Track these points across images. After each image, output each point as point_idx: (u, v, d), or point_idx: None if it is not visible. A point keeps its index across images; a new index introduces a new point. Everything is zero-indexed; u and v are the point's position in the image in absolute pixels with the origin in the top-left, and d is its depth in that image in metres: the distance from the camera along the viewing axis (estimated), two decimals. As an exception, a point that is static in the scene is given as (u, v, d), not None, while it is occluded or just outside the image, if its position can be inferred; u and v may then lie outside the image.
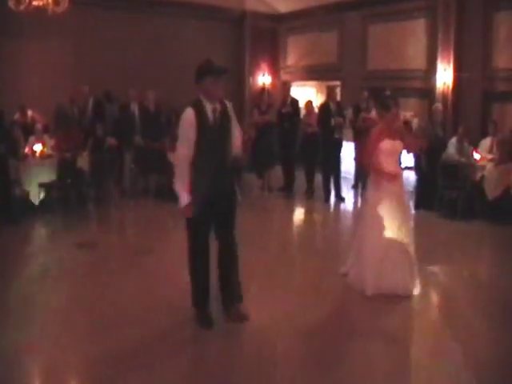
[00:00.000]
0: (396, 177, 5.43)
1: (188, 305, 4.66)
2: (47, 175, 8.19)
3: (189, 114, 4.22)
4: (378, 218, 5.34)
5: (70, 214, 8.28)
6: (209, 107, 4.25)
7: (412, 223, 5.62)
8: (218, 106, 4.30)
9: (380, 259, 5.26)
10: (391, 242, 5.29)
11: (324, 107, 9.96)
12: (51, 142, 8.73)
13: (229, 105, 4.43)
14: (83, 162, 8.58)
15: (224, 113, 4.35)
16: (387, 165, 5.42)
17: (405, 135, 5.65)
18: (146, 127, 10.00)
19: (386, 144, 5.43)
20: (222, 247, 4.55)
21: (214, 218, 4.41)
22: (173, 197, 9.11)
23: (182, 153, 4.26)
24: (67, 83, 11.30)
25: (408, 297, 5.25)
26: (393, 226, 5.31)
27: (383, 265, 5.25)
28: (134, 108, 10.17)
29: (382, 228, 5.31)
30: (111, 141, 9.18)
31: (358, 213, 6.19)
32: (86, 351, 4.13)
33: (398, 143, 5.50)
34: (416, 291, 5.34)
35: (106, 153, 8.99)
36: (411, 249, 5.38)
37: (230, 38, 14.97)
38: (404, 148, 5.63)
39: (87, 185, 8.71)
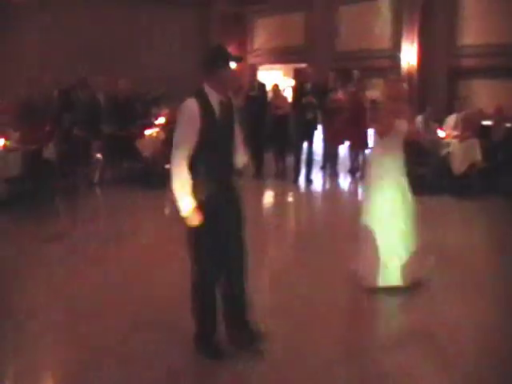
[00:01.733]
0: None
1: (167, 293, 4.63)
2: (11, 170, 7.99)
3: (191, 106, 3.53)
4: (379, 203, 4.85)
5: (37, 207, 8.12)
6: (215, 99, 3.60)
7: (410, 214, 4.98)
8: (224, 99, 3.68)
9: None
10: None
11: (297, 88, 9.99)
12: (15, 136, 8.54)
13: (232, 98, 3.85)
14: (49, 153, 8.42)
15: (230, 106, 3.74)
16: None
17: (411, 119, 4.96)
18: (113, 116, 9.87)
19: (397, 126, 4.67)
20: (232, 257, 3.78)
21: (223, 228, 3.69)
22: (143, 184, 9.23)
23: (181, 153, 3.52)
24: (33, 73, 11.10)
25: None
26: (391, 211, 4.81)
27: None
28: (100, 97, 10.03)
29: (382, 213, 4.81)
30: (77, 131, 9.08)
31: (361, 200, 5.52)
32: (62, 348, 4.09)
33: (403, 123, 4.77)
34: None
35: (73, 143, 8.86)
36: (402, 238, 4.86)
37: (197, 22, 14.84)
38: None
39: (55, 176, 8.55)
